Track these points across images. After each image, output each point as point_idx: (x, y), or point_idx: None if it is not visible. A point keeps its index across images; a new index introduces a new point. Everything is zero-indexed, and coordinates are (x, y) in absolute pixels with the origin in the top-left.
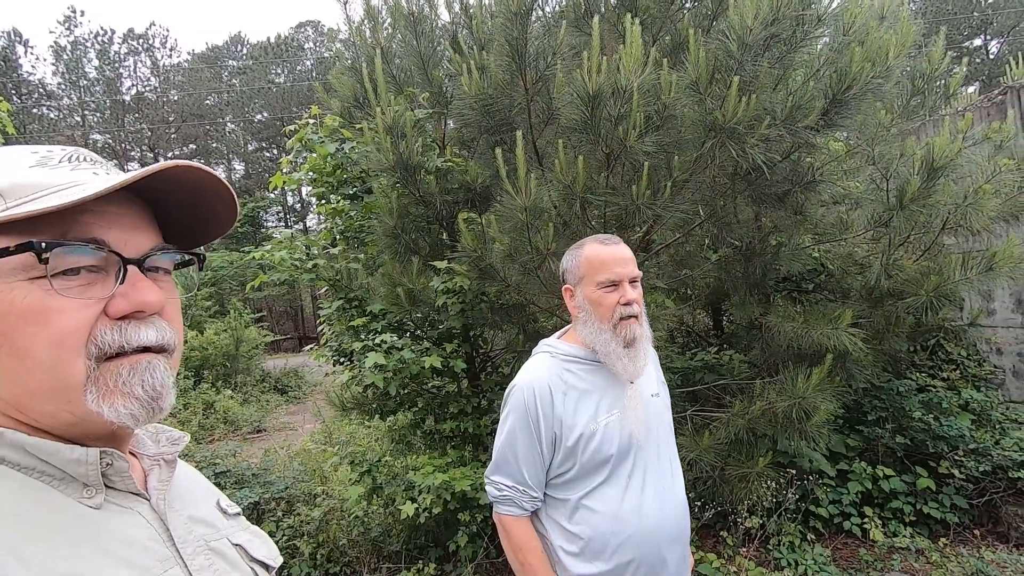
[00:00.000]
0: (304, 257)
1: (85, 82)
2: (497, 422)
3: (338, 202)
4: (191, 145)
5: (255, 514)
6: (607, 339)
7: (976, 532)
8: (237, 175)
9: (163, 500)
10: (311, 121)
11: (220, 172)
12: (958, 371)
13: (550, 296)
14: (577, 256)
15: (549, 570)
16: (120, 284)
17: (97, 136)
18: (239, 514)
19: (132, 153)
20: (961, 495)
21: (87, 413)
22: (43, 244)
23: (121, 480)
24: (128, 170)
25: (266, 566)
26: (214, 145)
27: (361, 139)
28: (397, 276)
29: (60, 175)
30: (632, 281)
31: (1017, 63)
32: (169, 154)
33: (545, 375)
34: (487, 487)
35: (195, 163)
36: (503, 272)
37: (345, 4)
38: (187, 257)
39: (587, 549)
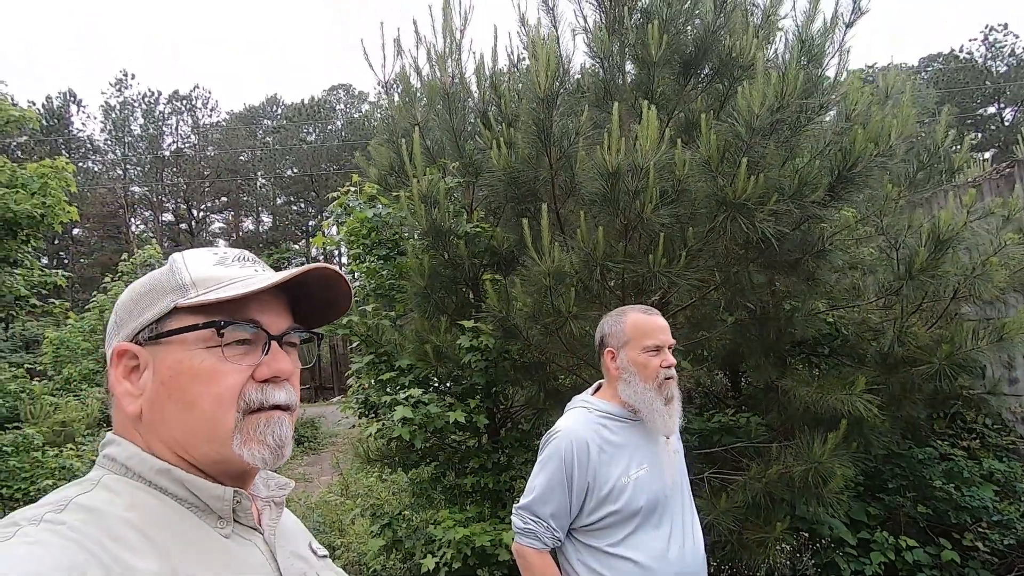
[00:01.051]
0: None
1: (130, 139)
2: (516, 479)
3: (372, 263)
4: (223, 198)
5: None
6: (651, 397)
7: None
8: (264, 227)
9: (273, 535)
10: (352, 189)
11: (249, 224)
12: (979, 440)
13: (569, 356)
14: (621, 323)
15: None
16: (265, 355)
17: (136, 188)
18: (326, 556)
19: (167, 204)
20: (987, 569)
21: (231, 455)
22: (222, 322)
23: (245, 516)
24: (161, 221)
25: None
26: (245, 198)
27: (396, 205)
28: (425, 333)
29: (233, 271)
30: (669, 347)
31: None
32: (202, 206)
33: (584, 429)
34: (513, 517)
35: (331, 266)
36: (526, 332)
37: (386, 85)
38: (310, 335)
39: None
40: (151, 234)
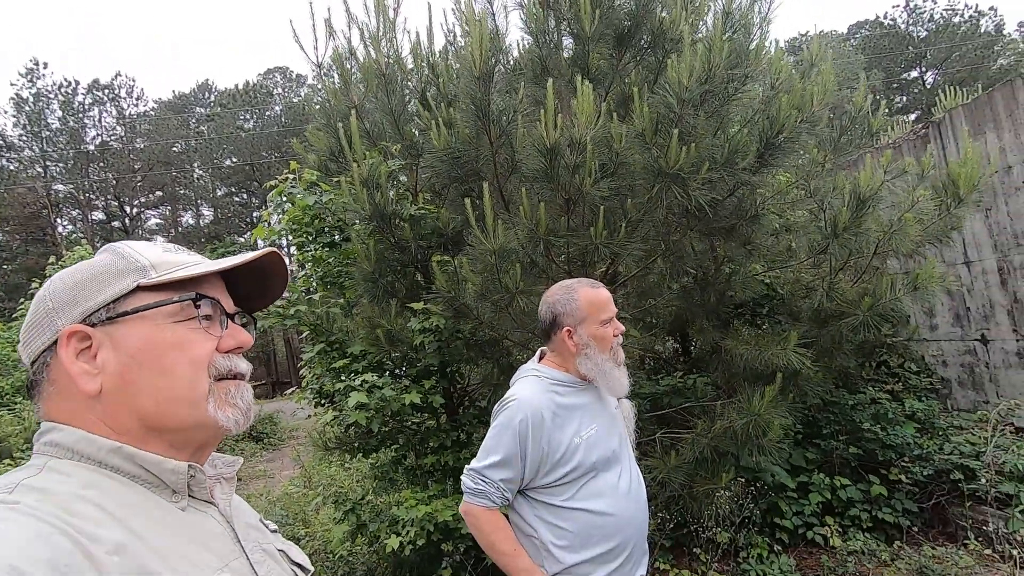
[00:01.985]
0: (287, 303)
1: (48, 133)
2: (475, 456)
3: (317, 250)
4: (158, 192)
5: None
6: (610, 366)
7: (929, 534)
8: (205, 220)
9: (228, 507)
10: (291, 176)
11: (188, 218)
12: (901, 383)
13: (522, 331)
14: (574, 300)
15: (518, 545)
16: (225, 328)
17: (60, 187)
18: (276, 531)
19: (96, 202)
20: (911, 499)
21: (206, 418)
22: (197, 295)
23: (199, 489)
24: (91, 220)
25: (304, 568)
26: (182, 191)
27: (338, 191)
28: (376, 318)
29: (181, 257)
30: (615, 315)
31: (947, 95)
32: (135, 201)
33: (538, 396)
34: (464, 478)
35: (280, 253)
36: (476, 310)
37: (319, 67)
38: (249, 317)
39: (576, 541)
40: (81, 234)
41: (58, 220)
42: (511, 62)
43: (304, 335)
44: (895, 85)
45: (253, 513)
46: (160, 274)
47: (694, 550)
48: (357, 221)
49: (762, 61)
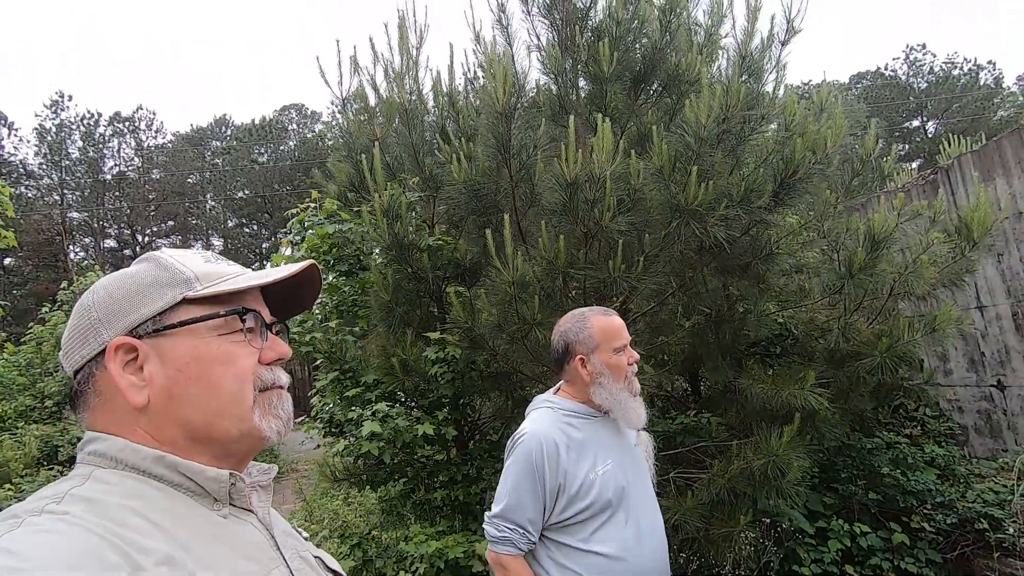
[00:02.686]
0: (301, 331)
1: (67, 162)
2: (486, 490)
3: (334, 278)
4: (170, 222)
5: None
6: (625, 396)
7: None
8: (216, 250)
9: (268, 515)
10: (312, 205)
11: (198, 246)
12: (920, 428)
13: (535, 364)
14: (586, 328)
15: None
16: (265, 341)
17: (75, 214)
18: (308, 538)
19: (109, 230)
20: (934, 549)
21: (252, 428)
22: (244, 310)
23: (240, 498)
24: (103, 247)
25: (338, 575)
26: (193, 222)
27: (358, 220)
28: (391, 347)
29: (222, 267)
30: (629, 343)
31: (949, 144)
32: (147, 230)
33: (551, 428)
34: (487, 527)
35: (317, 265)
36: (491, 342)
37: (344, 101)
38: (283, 324)
39: None
40: (93, 261)
41: (71, 247)
42: (529, 98)
43: (317, 363)
44: (897, 134)
45: (286, 522)
46: (205, 286)
47: None
48: (376, 250)
49: (776, 104)
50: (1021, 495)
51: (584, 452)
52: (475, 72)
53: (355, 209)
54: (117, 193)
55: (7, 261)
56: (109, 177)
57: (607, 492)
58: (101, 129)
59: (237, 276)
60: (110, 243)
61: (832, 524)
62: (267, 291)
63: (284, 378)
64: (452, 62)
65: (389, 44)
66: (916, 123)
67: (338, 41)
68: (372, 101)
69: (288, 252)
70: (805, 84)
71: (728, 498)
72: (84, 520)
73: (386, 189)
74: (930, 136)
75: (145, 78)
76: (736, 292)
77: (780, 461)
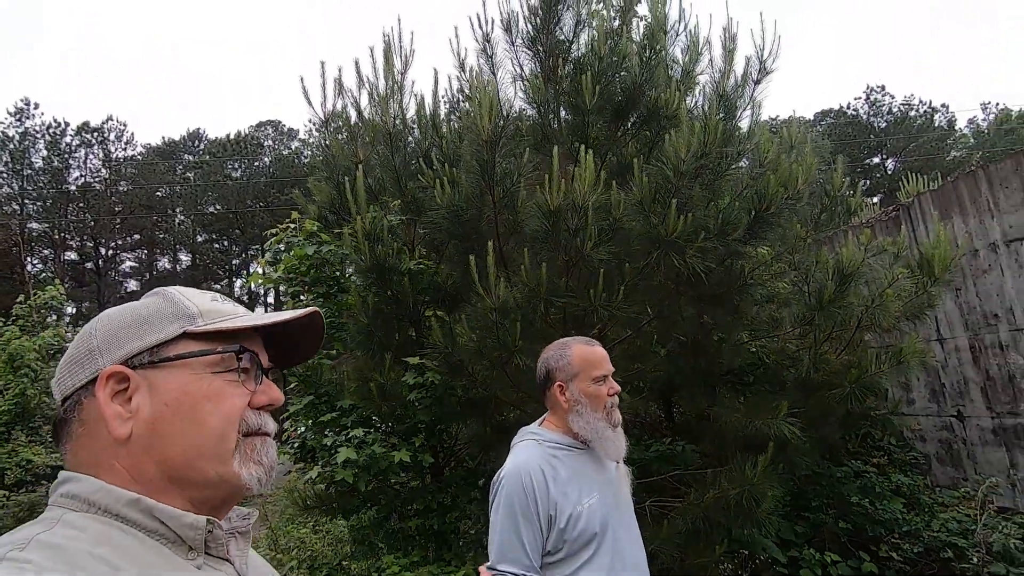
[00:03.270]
0: None
1: (29, 171)
2: (461, 519)
3: (311, 300)
4: (135, 235)
5: None
6: (602, 426)
7: None
8: (183, 265)
9: (245, 565)
10: (292, 225)
11: (165, 262)
12: (886, 457)
13: (514, 390)
14: (567, 356)
15: None
16: (259, 384)
17: (35, 225)
18: None
19: (71, 242)
20: None
21: (230, 474)
22: (242, 348)
23: (216, 546)
24: (63, 259)
25: None
26: (161, 236)
27: (338, 243)
28: (369, 371)
29: (228, 307)
30: (611, 374)
31: (908, 181)
32: (111, 243)
33: (536, 460)
34: None
35: (320, 313)
36: (470, 367)
37: (326, 122)
38: (280, 372)
39: None
40: (52, 273)
41: (28, 259)
42: (512, 126)
43: (291, 386)
44: (859, 170)
45: (270, 569)
46: (207, 322)
47: None
48: (357, 273)
49: (751, 141)
50: (983, 525)
51: (570, 485)
52: (458, 99)
53: (336, 231)
54: (81, 204)
55: None
56: (74, 188)
57: (593, 526)
58: (68, 139)
59: (241, 316)
60: (71, 255)
61: (804, 553)
62: (269, 338)
63: (271, 425)
64: (436, 87)
65: (374, 67)
66: (876, 160)
67: (323, 63)
68: (355, 123)
69: (264, 272)
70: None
71: (704, 527)
72: (46, 570)
73: (368, 212)
74: (889, 173)
75: (116, 90)
76: (711, 321)
77: (755, 491)
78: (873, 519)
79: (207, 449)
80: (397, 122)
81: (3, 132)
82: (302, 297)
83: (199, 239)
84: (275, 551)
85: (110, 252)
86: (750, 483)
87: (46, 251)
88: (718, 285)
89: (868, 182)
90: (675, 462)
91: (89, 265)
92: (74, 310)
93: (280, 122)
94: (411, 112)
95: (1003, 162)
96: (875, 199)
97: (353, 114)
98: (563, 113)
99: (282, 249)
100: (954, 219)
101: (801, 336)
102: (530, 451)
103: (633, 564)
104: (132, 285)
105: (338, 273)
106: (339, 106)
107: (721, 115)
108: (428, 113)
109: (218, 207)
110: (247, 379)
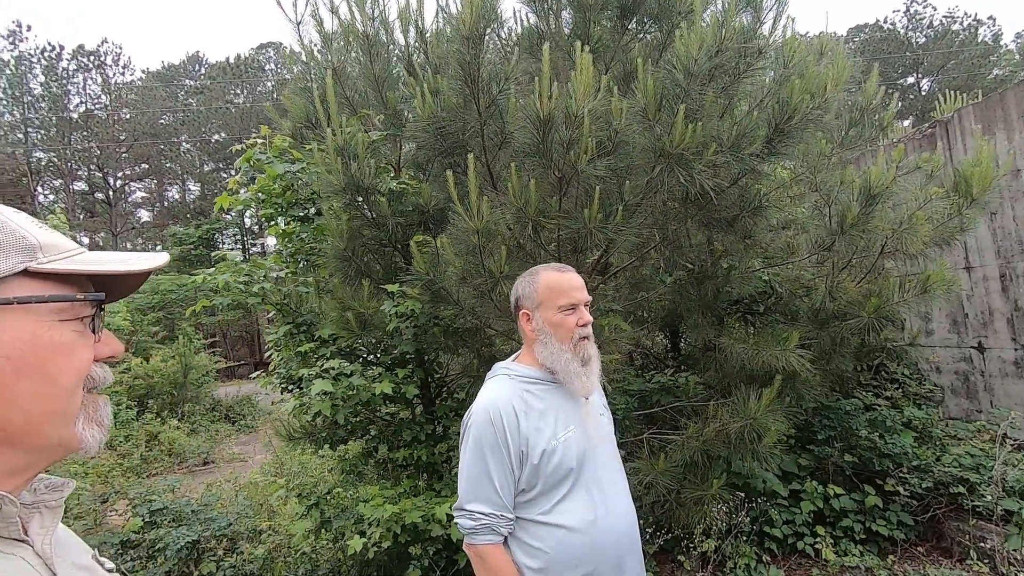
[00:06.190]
0: (249, 280)
1: (29, 98)
2: (452, 449)
3: (287, 224)
4: (143, 164)
5: (194, 554)
6: (568, 359)
7: (923, 548)
8: (192, 195)
9: (48, 546)
10: (259, 141)
11: (174, 192)
12: (900, 390)
13: (505, 320)
14: (534, 282)
15: None
16: (98, 333)
17: (41, 154)
18: (113, 569)
19: (79, 172)
20: (907, 512)
21: (71, 438)
22: (103, 296)
23: (5, 527)
24: (73, 190)
25: None
26: (168, 165)
27: (311, 160)
28: (347, 300)
29: (60, 239)
30: (585, 305)
31: (945, 99)
32: (120, 173)
33: (507, 395)
34: (459, 519)
35: (162, 264)
36: (456, 296)
37: (298, 25)
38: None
39: (552, 563)
40: (62, 204)
41: (39, 189)
42: (507, 33)
43: (270, 315)
44: (891, 90)
45: (84, 548)
46: (49, 258)
47: (678, 558)
48: (330, 194)
49: (775, 39)
50: (1003, 462)
51: (544, 419)
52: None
53: (308, 147)
54: (85, 133)
55: None
56: (75, 115)
57: (569, 460)
58: (64, 63)
59: (80, 253)
60: (80, 185)
61: (806, 486)
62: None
63: (110, 378)
64: None
65: None
66: (911, 80)
67: None
68: (330, 26)
69: (239, 194)
70: (804, 35)
71: (702, 460)
72: None
73: (343, 125)
74: (923, 94)
75: (110, 9)
76: (721, 247)
77: (758, 424)
78: (881, 453)
79: (57, 410)
80: (377, 24)
81: None
82: (279, 220)
83: (206, 168)
84: (279, 475)
85: (118, 182)
86: (753, 416)
87: (56, 182)
88: (730, 207)
89: (900, 104)
90: (677, 394)
91: (100, 195)
92: (88, 241)
93: (282, 44)
94: (393, 16)
95: None
96: (906, 122)
97: (326, 15)
98: (564, 15)
99: (250, 168)
100: (997, 136)
101: (818, 263)
102: (500, 386)
103: (616, 499)
104: (144, 215)
105: (315, 194)
106: (312, 7)
107: (743, 5)
108: (412, 15)
109: (223, 135)
110: (87, 327)
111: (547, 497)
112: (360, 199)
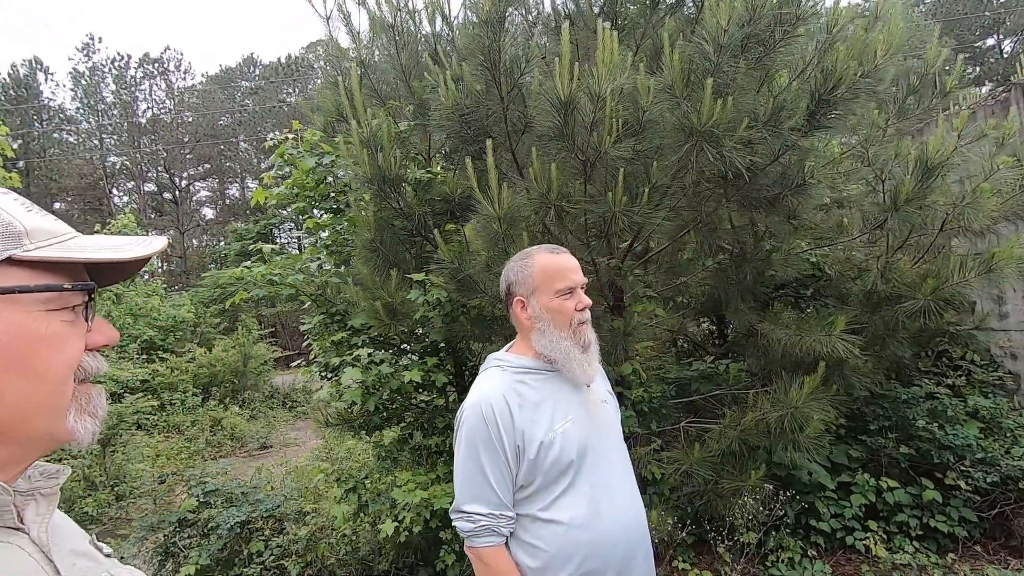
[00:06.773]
0: (283, 273)
1: (103, 106)
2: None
3: (321, 216)
4: (205, 164)
5: (244, 533)
6: (568, 346)
7: (988, 546)
8: (250, 192)
9: (45, 533)
10: (290, 136)
11: (234, 190)
12: (965, 377)
13: None
14: (528, 266)
15: None
16: (90, 321)
17: (115, 159)
18: (111, 555)
19: (149, 174)
20: (969, 507)
21: (62, 431)
22: (93, 285)
23: (0, 515)
24: (144, 191)
25: None
26: (227, 164)
27: (340, 152)
28: (375, 289)
29: (51, 223)
30: (582, 287)
31: None
32: (184, 174)
33: (499, 389)
34: (458, 522)
35: (160, 249)
36: (483, 284)
37: (327, 20)
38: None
39: (552, 561)
40: (134, 205)
41: (114, 191)
42: (531, 17)
43: (305, 305)
44: (968, 55)
45: (82, 535)
46: (36, 244)
47: (718, 549)
48: (358, 185)
49: (817, 3)
50: None
51: (540, 410)
52: None
53: (336, 139)
54: (152, 136)
55: (56, 206)
56: (143, 120)
57: (569, 452)
58: (131, 71)
59: (73, 238)
60: (150, 187)
61: (856, 478)
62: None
63: (104, 367)
64: None
65: None
66: (991, 41)
67: None
68: (356, 19)
69: (276, 189)
70: (864, 1)
71: (740, 450)
72: None
73: (369, 117)
74: (1005, 56)
75: (168, 17)
76: (763, 228)
77: (798, 414)
78: (941, 444)
79: (47, 404)
80: (403, 14)
81: (75, 68)
82: (314, 212)
83: (263, 165)
84: (327, 460)
85: (183, 182)
86: (793, 405)
87: (129, 184)
88: (770, 186)
89: (978, 68)
90: (717, 381)
91: (167, 195)
92: None
93: (322, 40)
94: (420, 4)
95: None
96: (984, 88)
97: (353, 7)
98: None
99: (283, 163)
100: None
101: (871, 243)
102: (492, 380)
103: (620, 492)
104: (208, 213)
105: (346, 186)
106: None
107: None
108: (439, 2)
109: (277, 133)
110: (78, 315)
111: (547, 492)
112: (387, 189)
